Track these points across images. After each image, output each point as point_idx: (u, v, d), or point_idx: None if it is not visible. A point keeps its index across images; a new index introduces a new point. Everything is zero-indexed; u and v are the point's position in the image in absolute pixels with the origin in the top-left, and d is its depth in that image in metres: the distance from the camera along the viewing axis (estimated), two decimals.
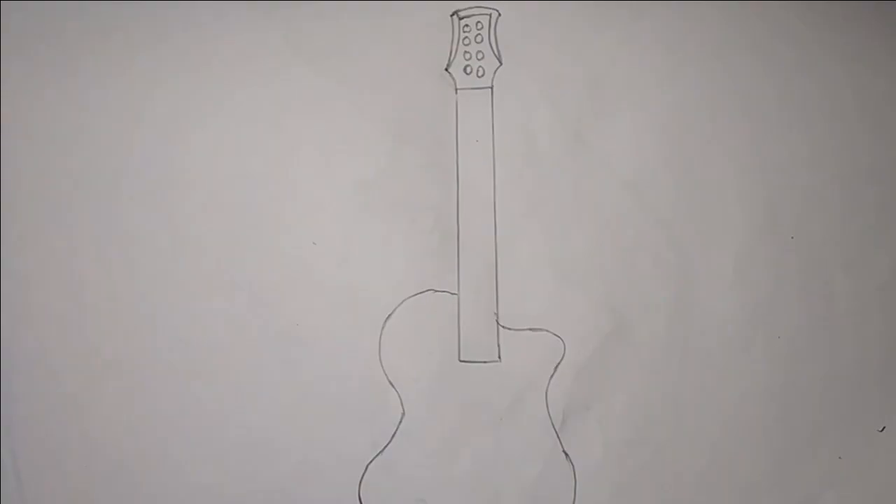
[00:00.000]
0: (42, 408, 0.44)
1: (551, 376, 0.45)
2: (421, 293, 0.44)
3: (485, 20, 0.45)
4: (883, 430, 0.45)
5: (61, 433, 0.44)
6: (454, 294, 0.45)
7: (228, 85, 0.45)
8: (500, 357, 0.45)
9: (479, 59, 0.45)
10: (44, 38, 0.45)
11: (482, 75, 0.45)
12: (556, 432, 0.44)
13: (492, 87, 0.45)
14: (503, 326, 0.45)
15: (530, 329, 0.45)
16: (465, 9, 0.45)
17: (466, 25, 0.45)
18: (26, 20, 0.45)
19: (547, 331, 0.45)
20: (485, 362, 0.44)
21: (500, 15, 0.45)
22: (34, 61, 0.45)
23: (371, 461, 0.44)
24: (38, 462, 0.44)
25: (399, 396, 0.44)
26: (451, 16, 0.45)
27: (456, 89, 0.45)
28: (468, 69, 0.45)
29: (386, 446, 0.44)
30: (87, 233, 0.44)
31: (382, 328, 0.44)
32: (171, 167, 0.44)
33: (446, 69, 0.45)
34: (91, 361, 0.44)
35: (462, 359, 0.44)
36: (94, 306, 0.44)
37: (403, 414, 0.44)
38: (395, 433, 0.44)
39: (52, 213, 0.44)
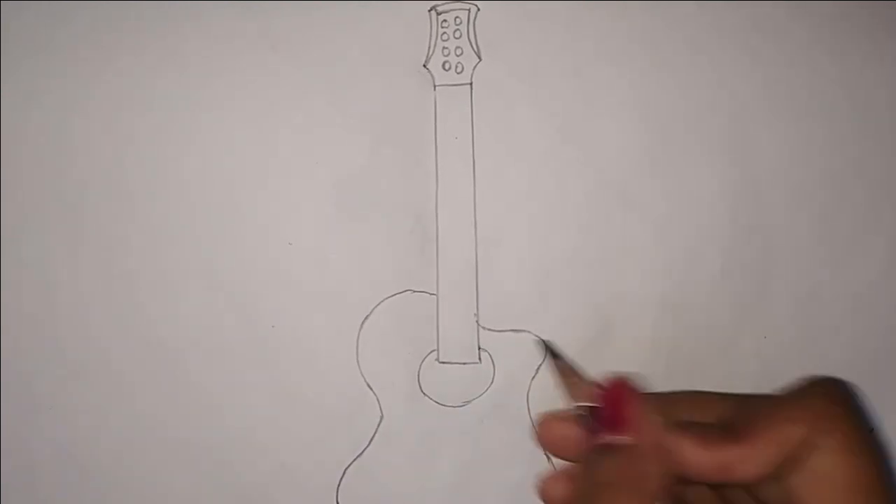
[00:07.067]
0: (11, 411, 0.44)
1: (533, 378, 0.44)
2: (399, 294, 0.44)
3: (463, 15, 0.44)
4: (872, 431, 0.45)
5: (31, 436, 0.43)
6: (433, 294, 0.44)
7: (202, 82, 0.44)
8: (480, 358, 0.44)
9: (457, 55, 0.44)
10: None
11: (461, 71, 0.44)
12: None
13: (471, 84, 0.44)
14: (483, 327, 0.44)
15: (512, 330, 0.44)
16: (443, 4, 0.44)
17: (445, 21, 0.44)
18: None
19: (528, 332, 0.44)
20: (465, 363, 0.44)
21: (478, 10, 0.44)
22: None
23: (349, 465, 0.43)
24: (7, 466, 0.43)
25: (377, 399, 0.44)
26: (429, 11, 0.44)
27: (434, 86, 0.44)
28: (447, 65, 0.44)
29: (364, 450, 0.43)
30: (58, 232, 0.44)
31: (360, 329, 0.44)
32: (143, 166, 0.44)
33: (424, 65, 0.44)
34: (63, 363, 0.44)
35: (441, 360, 0.44)
36: (66, 307, 0.44)
37: (382, 417, 0.44)
38: (373, 436, 0.43)
39: (22, 213, 0.44)
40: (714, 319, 0.45)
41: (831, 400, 0.30)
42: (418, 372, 0.44)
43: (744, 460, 0.28)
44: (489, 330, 0.44)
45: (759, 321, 0.45)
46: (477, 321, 0.44)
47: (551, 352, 0.34)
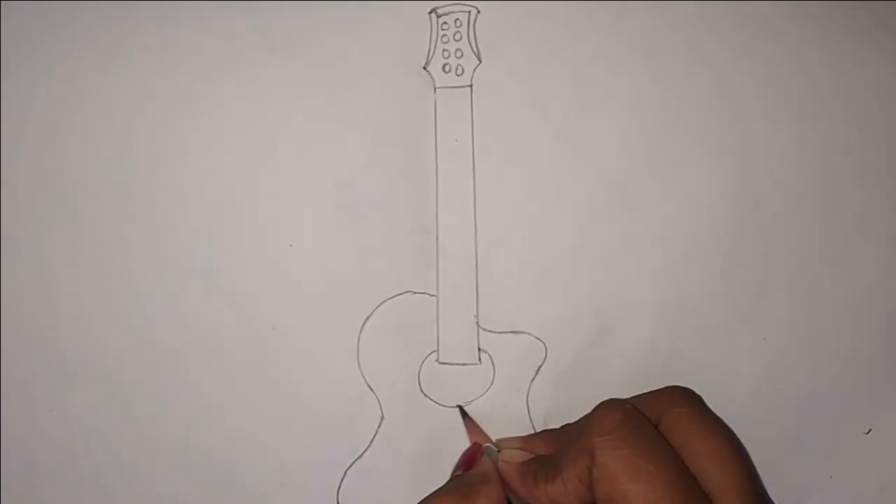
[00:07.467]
0: (10, 412, 0.43)
1: (532, 379, 0.44)
2: (399, 295, 0.44)
3: (464, 17, 0.44)
4: (869, 432, 0.45)
5: (31, 438, 0.43)
6: (433, 296, 0.44)
7: (202, 82, 0.44)
8: (480, 360, 0.44)
9: (457, 58, 0.44)
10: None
11: (461, 74, 0.44)
12: None
13: (471, 86, 0.44)
14: (483, 328, 0.44)
15: (511, 331, 0.44)
16: (443, 6, 0.44)
17: (445, 23, 0.44)
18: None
19: (528, 333, 0.44)
20: (465, 365, 0.44)
21: (479, 12, 0.44)
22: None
23: (349, 466, 0.43)
24: (7, 467, 0.43)
25: (378, 400, 0.44)
26: (430, 13, 0.44)
27: (434, 88, 0.44)
28: (447, 67, 0.44)
29: (364, 451, 0.43)
30: (58, 232, 0.44)
31: (360, 331, 0.44)
32: (143, 166, 0.44)
33: (424, 68, 0.44)
34: (63, 364, 0.43)
35: (441, 361, 0.44)
36: (66, 307, 0.43)
37: (382, 418, 0.44)
38: (373, 437, 0.43)
39: (22, 213, 0.44)
40: (714, 319, 0.45)
41: (607, 412, 0.35)
42: (419, 373, 0.44)
43: (562, 496, 0.35)
44: (489, 331, 0.44)
45: (758, 321, 0.45)
46: (477, 322, 0.44)
47: (462, 412, 0.43)
